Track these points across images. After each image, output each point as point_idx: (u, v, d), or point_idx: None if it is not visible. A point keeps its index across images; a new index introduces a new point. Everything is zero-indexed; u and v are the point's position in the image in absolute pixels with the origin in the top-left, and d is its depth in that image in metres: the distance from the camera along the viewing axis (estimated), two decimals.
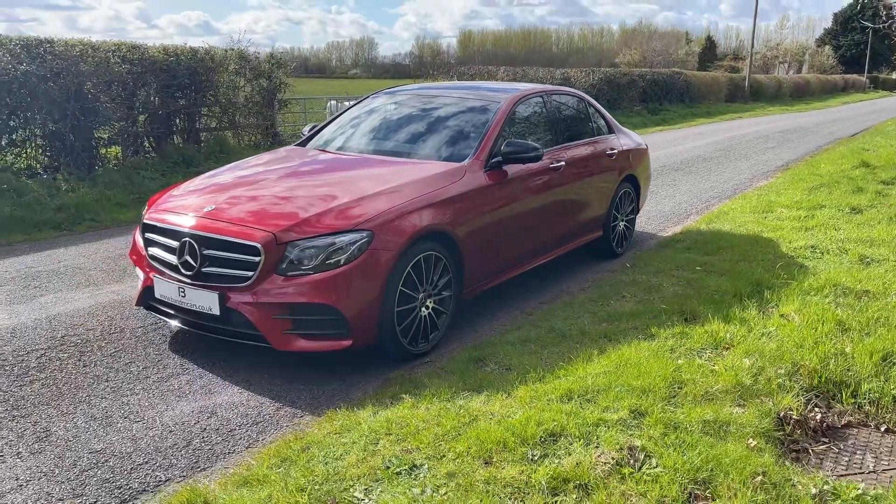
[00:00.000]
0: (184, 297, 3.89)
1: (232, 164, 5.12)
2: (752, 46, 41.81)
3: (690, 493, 2.58)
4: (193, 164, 10.53)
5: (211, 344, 4.18)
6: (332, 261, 3.71)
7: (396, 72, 70.07)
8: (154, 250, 4.12)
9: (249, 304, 3.73)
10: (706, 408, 3.20)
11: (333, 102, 17.31)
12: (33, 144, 9.37)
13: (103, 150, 10.25)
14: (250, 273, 3.71)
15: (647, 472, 2.67)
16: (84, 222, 8.01)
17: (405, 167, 4.65)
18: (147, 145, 10.81)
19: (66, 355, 4.13)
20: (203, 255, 3.82)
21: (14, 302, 5.07)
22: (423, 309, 4.17)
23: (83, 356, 4.13)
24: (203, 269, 3.82)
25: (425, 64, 74.43)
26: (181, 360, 4.11)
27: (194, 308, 3.87)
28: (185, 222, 3.95)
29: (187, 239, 3.86)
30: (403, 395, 3.50)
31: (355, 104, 6.01)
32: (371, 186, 4.23)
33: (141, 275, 4.24)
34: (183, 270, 3.88)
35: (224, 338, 3.88)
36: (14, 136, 9.11)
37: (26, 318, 4.73)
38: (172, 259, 3.95)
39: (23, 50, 8.77)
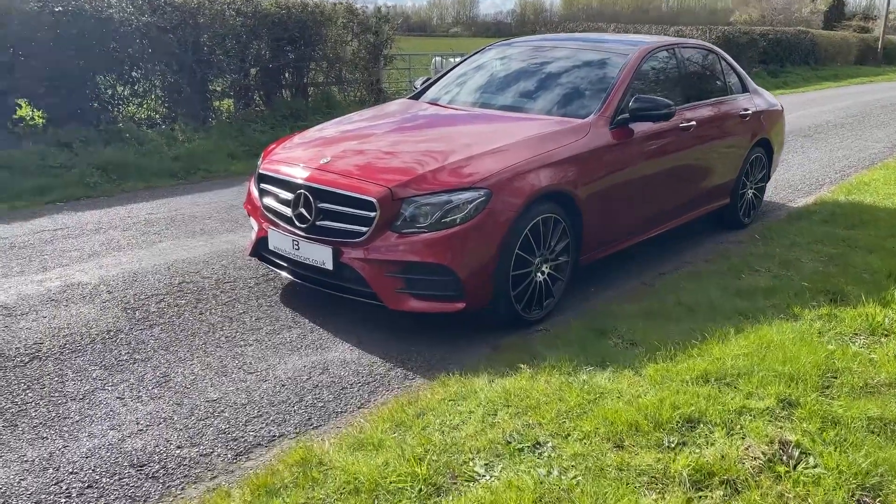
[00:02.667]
0: (297, 250, 3.83)
1: (344, 116, 4.99)
2: (888, 4, 38.15)
3: (859, 501, 2.26)
4: (301, 117, 10.60)
5: (322, 298, 4.12)
6: (447, 219, 3.53)
7: (498, 30, 68.67)
8: (269, 201, 4.07)
9: (363, 261, 3.61)
10: (869, 402, 2.82)
11: (438, 59, 17.05)
12: (153, 95, 9.68)
13: (216, 103, 10.48)
14: (364, 229, 3.59)
15: (805, 472, 2.36)
16: (198, 172, 8.22)
17: (524, 123, 4.38)
18: (257, 98, 10.97)
19: (183, 301, 4.18)
20: (318, 209, 3.73)
21: (136, 247, 5.20)
22: (539, 274, 3.94)
23: (199, 304, 4.16)
24: (318, 223, 3.73)
25: (527, 22, 72.58)
26: (293, 313, 4.07)
27: (307, 262, 3.80)
28: (301, 174, 3.86)
29: (302, 191, 3.77)
30: (521, 365, 3.31)
31: (468, 57, 5.74)
32: (488, 142, 4.00)
33: (255, 225, 4.21)
34: (297, 223, 3.80)
35: (336, 293, 3.80)
36: (136, 87, 9.43)
37: (147, 263, 4.84)
38: (287, 211, 3.88)
39: (144, 2, 8.99)
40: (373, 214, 3.55)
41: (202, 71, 9.64)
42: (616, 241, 4.58)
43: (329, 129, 4.65)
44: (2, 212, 6.18)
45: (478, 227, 3.54)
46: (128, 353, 3.56)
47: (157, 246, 5.23)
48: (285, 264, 4.00)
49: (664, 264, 5.10)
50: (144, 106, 9.62)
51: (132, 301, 4.17)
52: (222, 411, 3.07)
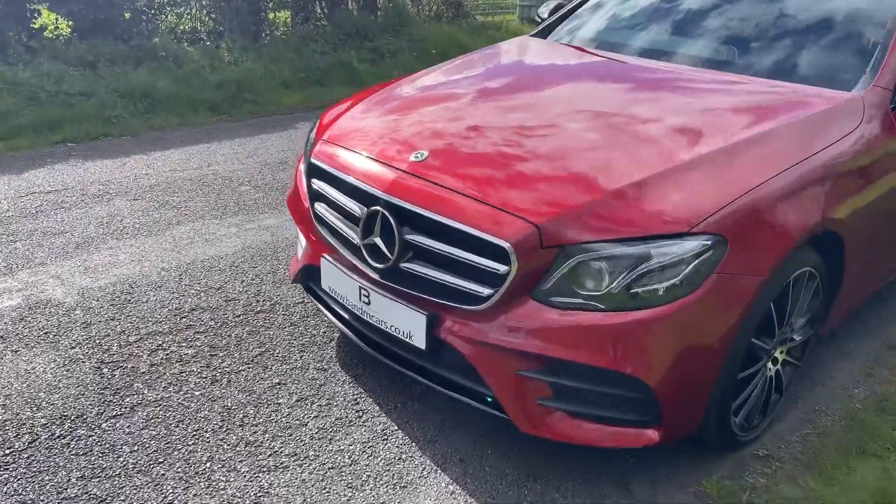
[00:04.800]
0: (366, 304, 2.30)
1: (441, 66, 3.27)
2: None
3: None
4: (369, 36, 8.86)
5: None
6: (641, 290, 1.92)
7: None
8: (323, 210, 2.51)
9: (478, 344, 2.07)
10: None
11: None
12: (198, 4, 8.10)
13: (271, 15, 8.84)
14: (486, 290, 2.02)
15: None
16: (244, 104, 6.70)
17: (745, 94, 2.63)
18: (318, 11, 9.25)
19: (190, 353, 2.74)
20: (405, 242, 2.16)
21: (143, 231, 3.77)
22: (770, 365, 2.33)
23: (214, 359, 2.72)
24: (403, 266, 2.18)
25: None
26: (354, 388, 2.58)
27: (382, 326, 2.27)
28: (377, 177, 2.27)
29: (379, 209, 2.20)
30: None
31: None
32: (697, 134, 2.32)
33: (303, 241, 2.69)
34: (369, 259, 2.25)
35: (427, 383, 2.27)
36: None
37: (152, 265, 3.40)
38: (352, 235, 2.33)
39: None
40: (503, 269, 1.97)
41: None
42: (866, 294, 2.87)
43: (418, 86, 2.99)
44: None
45: (698, 307, 1.92)
46: (79, 483, 2.16)
47: (172, 232, 3.79)
48: (346, 316, 2.48)
49: None
50: (188, 16, 8.06)
51: (115, 349, 2.75)
52: None
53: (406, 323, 2.19)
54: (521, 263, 1.95)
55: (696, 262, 1.91)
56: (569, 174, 2.14)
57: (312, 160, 2.55)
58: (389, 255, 2.19)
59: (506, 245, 1.95)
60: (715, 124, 2.40)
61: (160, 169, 4.77)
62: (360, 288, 2.30)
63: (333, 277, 2.43)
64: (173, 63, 7.10)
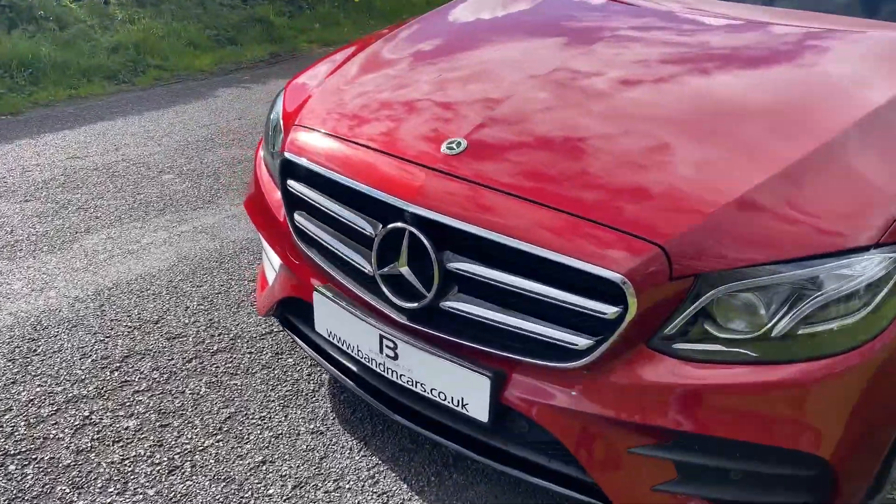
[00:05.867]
0: (392, 358, 1.63)
1: (452, 5, 2.51)
2: None
3: None
4: None
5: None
6: (810, 329, 1.35)
7: None
8: (308, 223, 1.80)
9: (569, 414, 1.46)
10: None
11: None
12: None
13: None
14: (582, 341, 1.39)
15: None
16: (148, 70, 5.73)
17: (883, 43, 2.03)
18: None
19: (131, 426, 2.01)
20: (447, 273, 1.51)
21: (38, 248, 2.91)
22: None
23: (164, 447, 2.00)
24: (445, 305, 1.52)
25: None
26: (365, 456, 1.94)
27: (417, 389, 1.62)
28: (398, 180, 1.58)
29: (407, 226, 1.53)
30: None
31: None
32: (854, 99, 1.71)
33: (275, 261, 1.98)
34: (391, 296, 1.59)
35: (489, 463, 1.64)
36: None
37: (55, 297, 2.58)
38: (361, 263, 1.65)
39: None
40: (611, 312, 1.35)
41: None
42: None
43: (424, 39, 2.24)
44: None
45: (891, 348, 1.37)
46: None
47: (82, 244, 2.95)
48: (356, 370, 1.80)
49: None
50: None
51: (21, 431, 1.97)
52: None
53: (457, 386, 1.55)
54: (642, 302, 1.34)
55: (888, 287, 1.35)
56: (679, 169, 1.51)
57: (287, 155, 1.82)
58: (425, 292, 1.53)
59: (616, 277, 1.33)
60: (864, 82, 1.79)
61: (54, 157, 3.84)
62: (382, 337, 1.63)
63: (335, 319, 1.74)
64: (55, 24, 5.98)
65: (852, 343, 1.34)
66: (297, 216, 1.83)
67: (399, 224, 1.54)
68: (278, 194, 1.92)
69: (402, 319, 1.59)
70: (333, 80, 2.04)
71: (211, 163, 3.83)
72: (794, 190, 1.42)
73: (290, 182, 1.82)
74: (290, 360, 2.29)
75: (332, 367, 1.85)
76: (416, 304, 1.56)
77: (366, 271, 1.64)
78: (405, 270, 1.55)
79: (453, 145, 1.60)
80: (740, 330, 1.37)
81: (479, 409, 1.53)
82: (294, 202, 1.84)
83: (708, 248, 1.35)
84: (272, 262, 2.03)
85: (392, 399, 1.72)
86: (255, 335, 2.40)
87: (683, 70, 1.87)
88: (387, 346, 1.63)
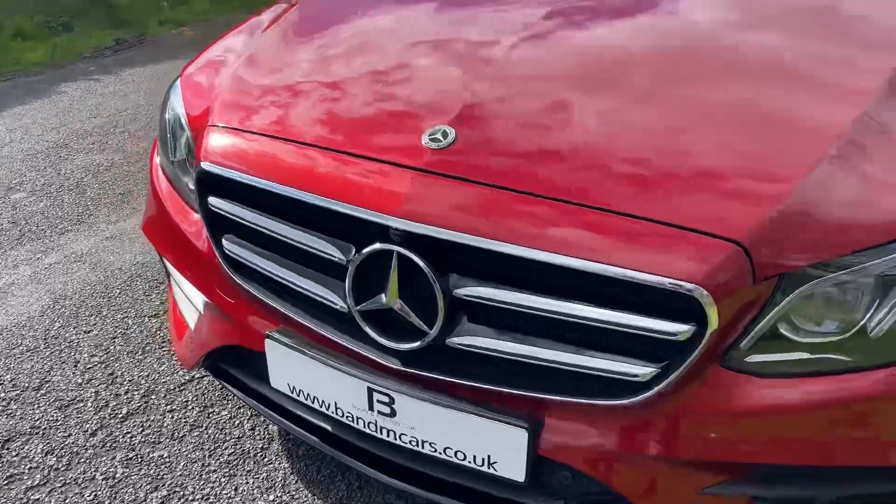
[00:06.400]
0: (389, 415, 1.27)
1: None
2: None
3: None
4: None
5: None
6: None
7: None
8: (236, 248, 1.38)
9: (627, 460, 1.17)
10: None
11: None
12: None
13: None
14: (644, 369, 1.10)
15: None
16: None
17: None
18: None
19: None
20: (453, 301, 1.16)
21: None
22: None
23: None
24: (452, 342, 1.18)
25: None
26: None
27: (425, 450, 1.28)
28: (372, 187, 1.21)
29: (394, 247, 1.16)
30: None
31: None
32: None
33: (197, 300, 1.54)
34: (377, 337, 1.22)
35: None
36: None
37: None
38: (329, 297, 1.27)
39: None
40: (682, 331, 1.06)
41: None
42: None
43: None
44: None
45: None
46: None
47: None
48: (330, 428, 1.42)
49: None
50: None
51: None
52: None
53: (480, 443, 1.22)
54: (723, 314, 1.06)
55: None
56: (740, 147, 1.21)
57: (206, 166, 1.39)
58: (426, 329, 1.19)
59: (691, 287, 1.04)
60: None
61: None
62: (372, 390, 1.27)
63: (300, 372, 1.36)
64: None
65: None
66: (226, 242, 1.41)
67: (382, 245, 1.18)
68: (195, 215, 1.48)
69: (397, 365, 1.23)
70: (252, 62, 1.60)
71: (71, 173, 3.21)
72: (865, 161, 1.19)
73: (213, 200, 1.39)
74: (223, 412, 1.86)
75: (294, 426, 1.46)
76: (414, 345, 1.21)
77: (337, 308, 1.27)
78: (397, 304, 1.19)
79: (437, 135, 1.24)
80: (828, 332, 1.13)
81: (512, 467, 1.22)
82: (220, 224, 1.41)
83: (792, 240, 1.09)
84: (192, 301, 1.59)
85: (385, 459, 1.36)
86: (172, 386, 1.94)
87: (723, 28, 1.60)
88: (379, 402, 1.27)
